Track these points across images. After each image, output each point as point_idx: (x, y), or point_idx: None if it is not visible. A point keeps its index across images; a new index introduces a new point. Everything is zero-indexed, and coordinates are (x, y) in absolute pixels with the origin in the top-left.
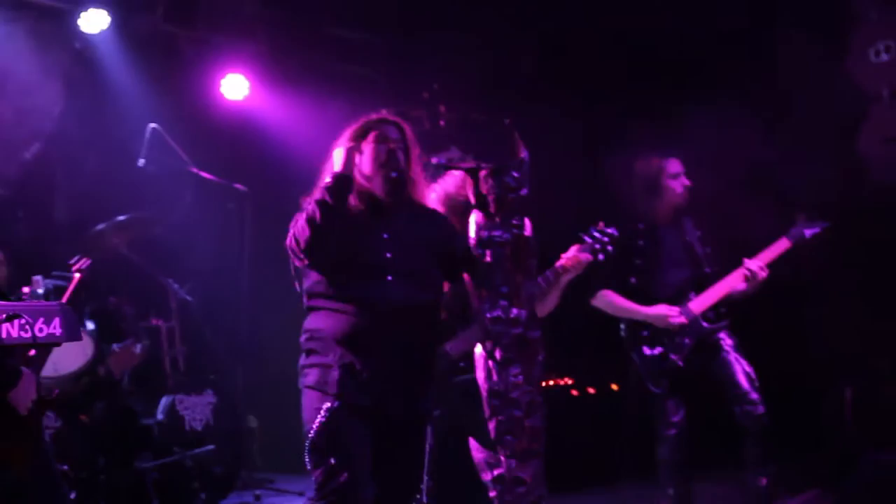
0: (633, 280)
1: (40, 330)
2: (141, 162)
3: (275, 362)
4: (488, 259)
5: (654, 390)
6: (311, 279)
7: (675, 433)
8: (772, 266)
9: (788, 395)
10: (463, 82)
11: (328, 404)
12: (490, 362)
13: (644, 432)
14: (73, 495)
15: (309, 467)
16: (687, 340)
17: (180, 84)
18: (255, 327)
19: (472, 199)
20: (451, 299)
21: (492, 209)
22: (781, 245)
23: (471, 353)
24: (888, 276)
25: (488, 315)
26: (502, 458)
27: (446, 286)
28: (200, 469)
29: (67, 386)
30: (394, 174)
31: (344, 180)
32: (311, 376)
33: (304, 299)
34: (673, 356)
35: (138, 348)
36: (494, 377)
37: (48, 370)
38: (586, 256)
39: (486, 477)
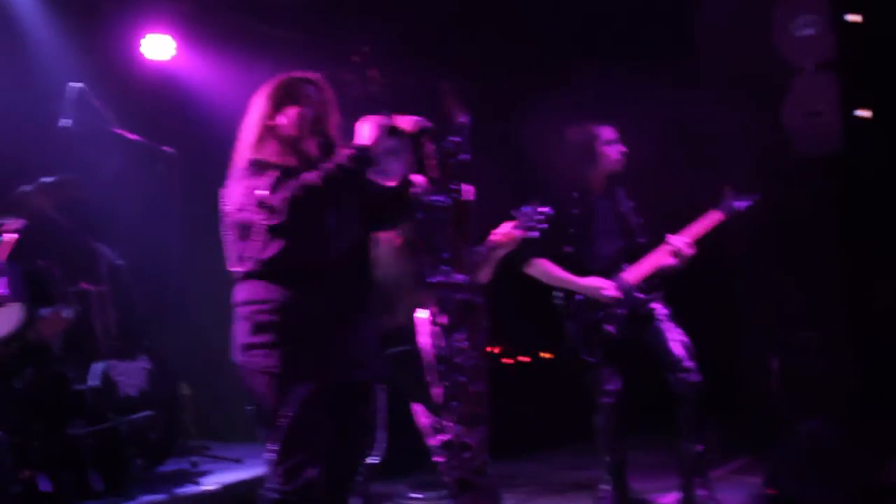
0: (566, 249)
1: None
2: (64, 122)
3: (204, 329)
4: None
5: (588, 360)
6: (277, 246)
7: (611, 402)
8: (702, 238)
9: (716, 365)
10: (391, 46)
11: (300, 391)
12: (435, 327)
13: (579, 400)
14: None
15: (271, 455)
16: (621, 310)
17: (101, 43)
18: (185, 292)
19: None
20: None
21: (432, 174)
22: (713, 217)
23: (403, 326)
24: (814, 249)
25: (431, 280)
26: (448, 423)
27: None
28: (136, 435)
29: None
30: (323, 140)
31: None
32: (271, 357)
33: (258, 266)
34: (607, 326)
35: (68, 313)
36: (440, 342)
37: None
38: (519, 233)
39: (433, 442)
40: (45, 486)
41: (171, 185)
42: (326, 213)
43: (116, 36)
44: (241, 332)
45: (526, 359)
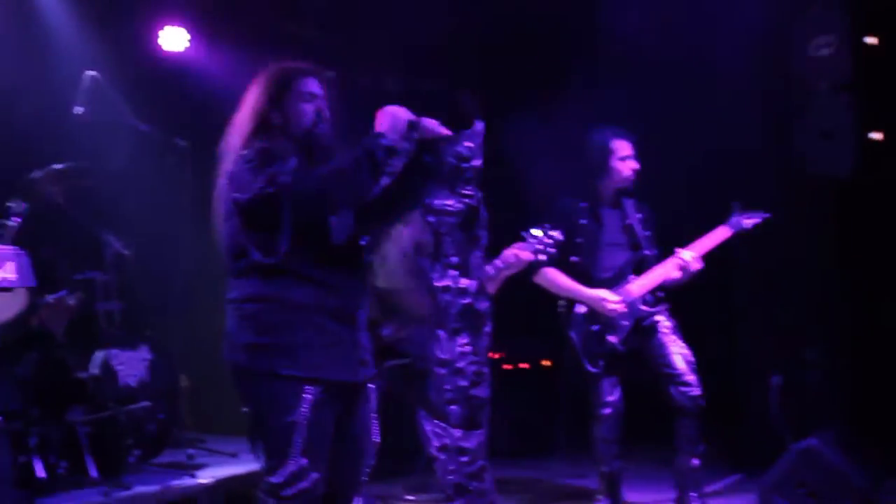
0: (574, 259)
1: None
2: (78, 110)
3: (205, 322)
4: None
5: (590, 370)
6: (288, 240)
7: (610, 412)
8: (709, 254)
9: (717, 380)
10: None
11: (309, 396)
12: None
13: (579, 409)
14: None
15: (267, 457)
16: (625, 322)
17: (119, 33)
18: (189, 285)
19: None
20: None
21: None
22: (721, 233)
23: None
24: (817, 267)
25: (437, 284)
26: (448, 427)
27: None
28: (134, 426)
29: None
30: (323, 133)
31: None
32: (280, 359)
33: (266, 260)
34: (611, 337)
35: (72, 300)
36: (443, 346)
37: None
38: (528, 256)
39: (433, 446)
40: (40, 471)
41: (181, 177)
42: (345, 203)
43: (133, 26)
44: (244, 332)
45: (526, 365)
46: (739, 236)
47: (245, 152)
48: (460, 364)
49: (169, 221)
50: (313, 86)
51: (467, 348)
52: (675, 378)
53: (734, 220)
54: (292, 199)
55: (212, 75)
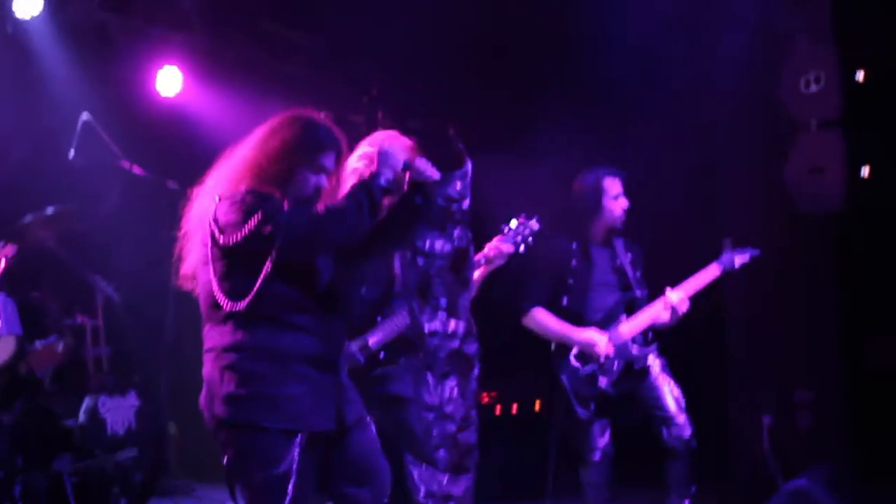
0: (565, 300)
1: None
2: (72, 154)
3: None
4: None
5: (580, 415)
6: (279, 286)
7: (600, 458)
8: (699, 293)
9: (708, 421)
10: (401, 88)
11: (294, 443)
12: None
13: (569, 453)
14: None
15: None
16: (616, 364)
17: (113, 75)
18: (180, 330)
19: None
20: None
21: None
22: (711, 272)
23: (390, 344)
24: (810, 307)
25: (426, 328)
26: (435, 472)
27: None
28: (121, 474)
29: None
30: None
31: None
32: (262, 410)
33: (250, 306)
34: (602, 379)
35: (61, 346)
36: (431, 390)
37: None
38: (508, 248)
39: (420, 493)
40: None
41: (173, 220)
42: (337, 244)
43: (129, 69)
44: (224, 383)
45: (515, 409)
46: (729, 275)
47: (232, 194)
48: (448, 409)
49: (159, 266)
50: (330, 161)
51: (455, 392)
52: (666, 420)
53: (725, 257)
54: (286, 238)
55: (205, 118)
